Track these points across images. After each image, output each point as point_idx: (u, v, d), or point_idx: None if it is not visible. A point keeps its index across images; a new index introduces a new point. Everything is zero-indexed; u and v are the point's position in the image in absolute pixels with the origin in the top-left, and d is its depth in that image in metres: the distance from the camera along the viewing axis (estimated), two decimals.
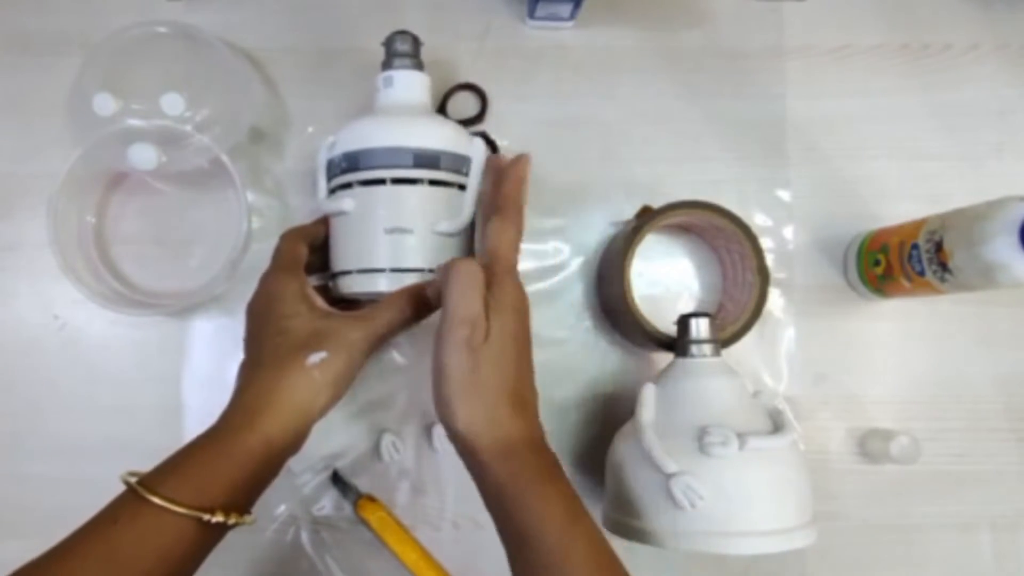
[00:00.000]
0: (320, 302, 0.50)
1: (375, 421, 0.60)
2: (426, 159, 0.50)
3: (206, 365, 0.60)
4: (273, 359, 0.47)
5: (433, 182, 0.50)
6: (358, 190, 0.50)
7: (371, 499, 0.59)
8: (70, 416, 0.59)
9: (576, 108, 0.63)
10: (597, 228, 0.62)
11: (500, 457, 0.43)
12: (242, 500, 0.44)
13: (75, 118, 0.57)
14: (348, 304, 0.53)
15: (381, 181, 0.50)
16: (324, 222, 0.54)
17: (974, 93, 0.64)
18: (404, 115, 0.52)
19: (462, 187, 0.52)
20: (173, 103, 0.56)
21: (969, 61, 0.64)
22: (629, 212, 0.59)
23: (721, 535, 0.46)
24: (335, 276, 0.53)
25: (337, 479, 0.59)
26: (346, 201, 0.51)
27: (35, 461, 0.59)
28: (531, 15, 0.62)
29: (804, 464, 0.50)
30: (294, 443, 0.46)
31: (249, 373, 0.48)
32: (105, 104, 0.56)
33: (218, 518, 0.41)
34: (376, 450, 0.59)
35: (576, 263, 0.62)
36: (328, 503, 0.59)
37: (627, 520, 0.49)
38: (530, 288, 0.61)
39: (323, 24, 0.62)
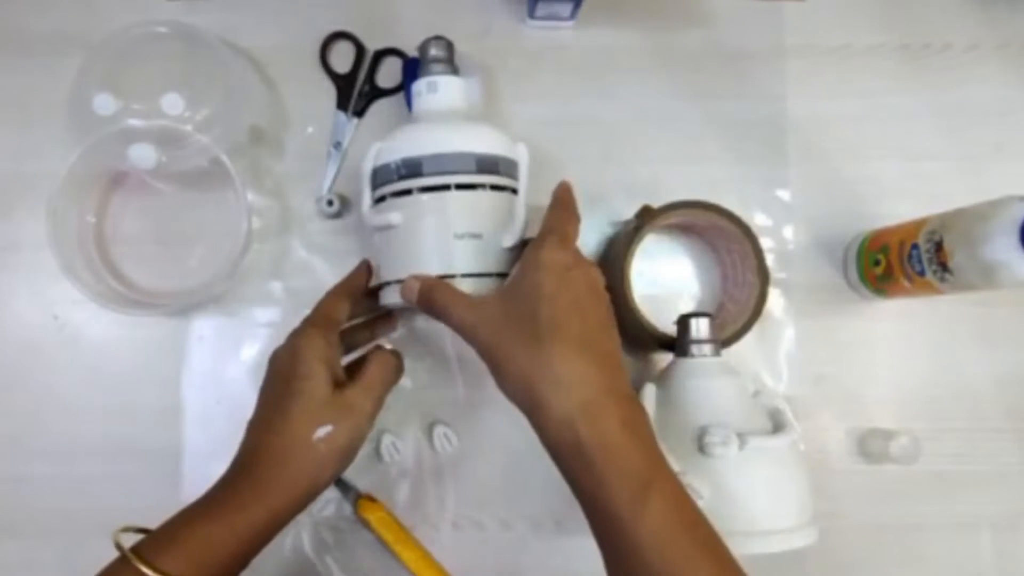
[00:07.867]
0: (339, 369, 0.49)
1: (375, 421, 0.60)
2: (487, 164, 0.50)
3: (206, 365, 0.60)
4: (283, 427, 0.46)
5: (493, 187, 0.51)
6: (417, 197, 0.50)
7: (371, 499, 0.59)
8: (70, 416, 0.59)
9: (576, 108, 0.63)
10: (597, 228, 0.62)
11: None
12: (237, 570, 0.44)
13: (75, 118, 0.57)
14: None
15: (446, 187, 0.50)
16: (363, 269, 0.54)
17: (974, 93, 0.64)
18: (458, 120, 0.53)
19: (514, 191, 0.52)
20: (173, 103, 0.56)
21: (969, 61, 0.64)
22: (629, 212, 0.59)
23: (721, 535, 0.46)
24: (382, 286, 0.52)
25: (337, 479, 0.59)
26: (394, 215, 0.50)
27: (35, 461, 0.59)
28: (531, 15, 0.62)
29: (804, 464, 0.50)
30: (298, 512, 0.46)
31: (257, 437, 0.47)
32: (105, 104, 0.56)
33: None
34: (376, 450, 0.59)
35: None
36: (328, 503, 0.59)
37: None
38: None
39: (323, 24, 0.62)
